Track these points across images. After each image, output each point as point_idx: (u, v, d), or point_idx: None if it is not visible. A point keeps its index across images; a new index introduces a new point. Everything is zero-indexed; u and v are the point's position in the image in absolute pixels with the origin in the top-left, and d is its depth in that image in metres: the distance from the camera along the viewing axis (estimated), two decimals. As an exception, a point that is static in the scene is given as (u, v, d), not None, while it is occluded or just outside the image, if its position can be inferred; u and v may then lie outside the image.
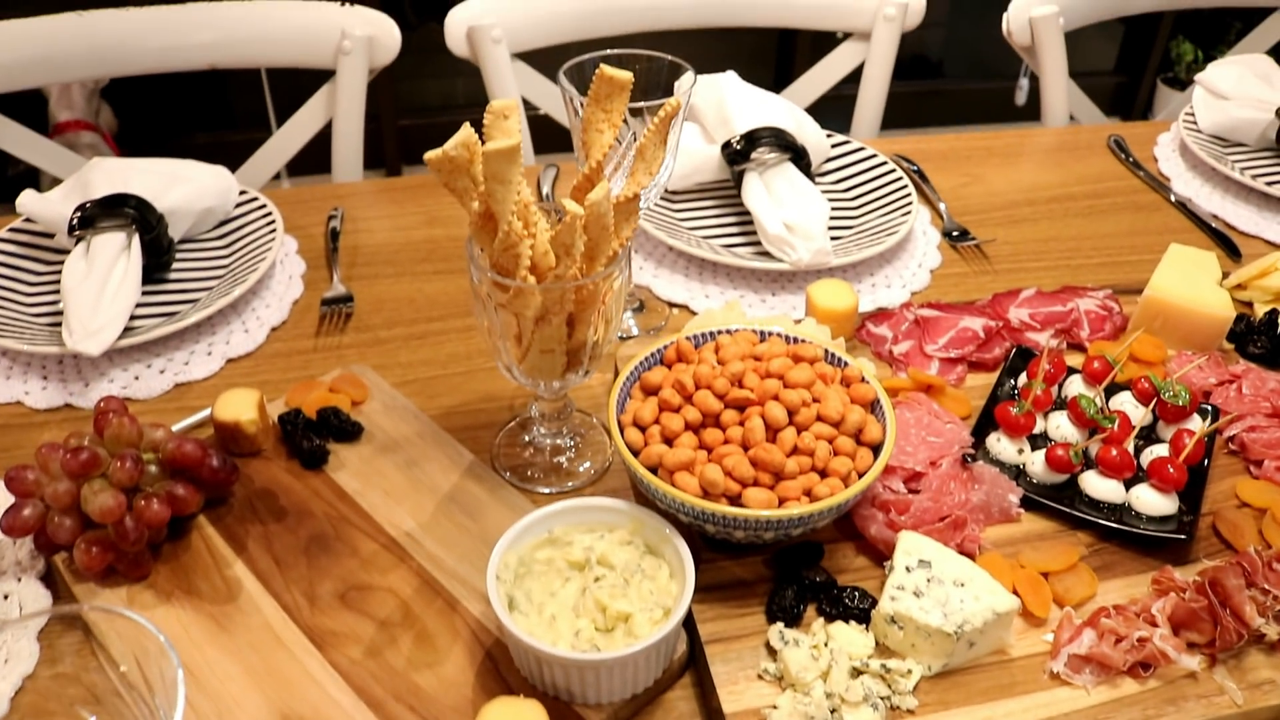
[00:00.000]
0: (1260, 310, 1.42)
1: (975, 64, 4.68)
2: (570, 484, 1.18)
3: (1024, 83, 3.78)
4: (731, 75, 1.68)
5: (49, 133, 3.08)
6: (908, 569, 0.98)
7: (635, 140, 1.20)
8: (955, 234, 1.61)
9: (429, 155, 0.96)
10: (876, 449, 1.02)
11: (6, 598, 1.04)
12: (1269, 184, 1.73)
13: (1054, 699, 0.95)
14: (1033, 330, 1.34)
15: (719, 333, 1.11)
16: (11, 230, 1.50)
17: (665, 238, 1.47)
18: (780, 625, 0.97)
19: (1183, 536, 1.07)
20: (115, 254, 1.39)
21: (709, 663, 0.96)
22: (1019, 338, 1.33)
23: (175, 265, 1.50)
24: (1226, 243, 1.63)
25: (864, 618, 0.98)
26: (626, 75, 1.03)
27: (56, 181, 1.64)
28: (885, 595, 0.96)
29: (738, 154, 1.54)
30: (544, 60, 1.91)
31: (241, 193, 1.59)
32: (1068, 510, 1.10)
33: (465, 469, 1.17)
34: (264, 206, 1.57)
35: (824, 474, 0.99)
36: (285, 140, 1.93)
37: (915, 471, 1.11)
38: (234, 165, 1.63)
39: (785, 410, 1.00)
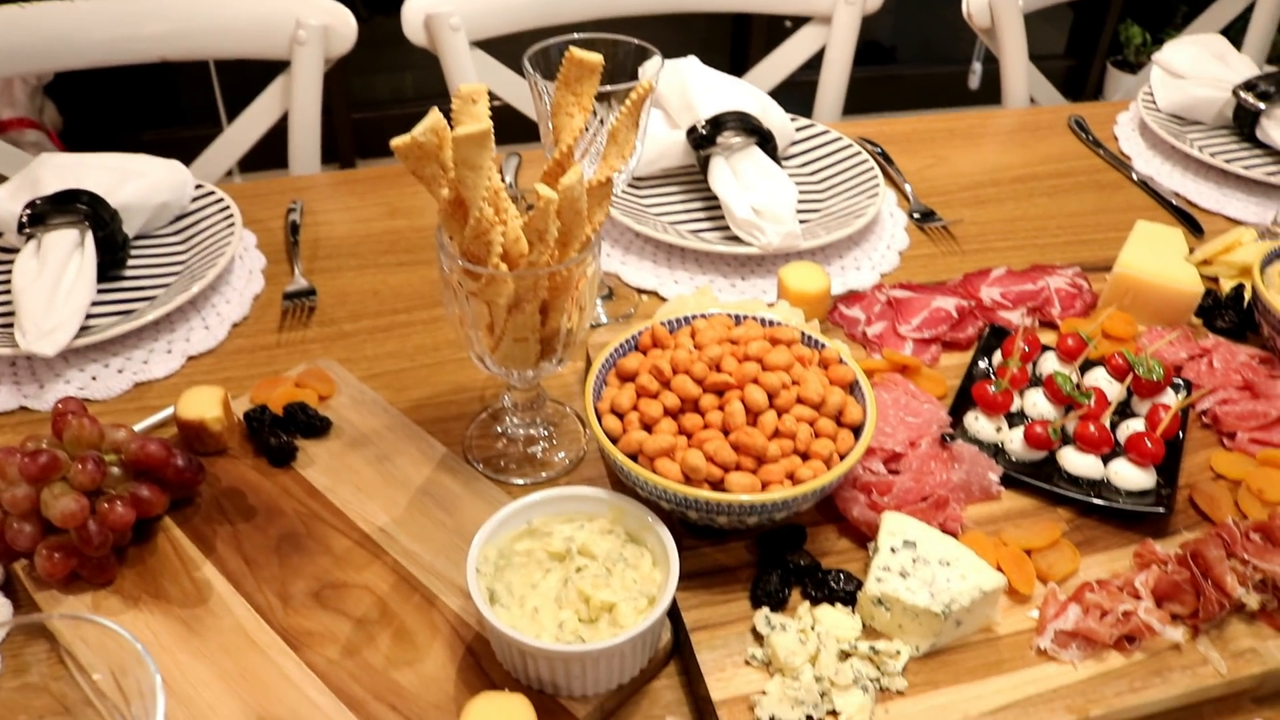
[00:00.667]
0: (1226, 285, 1.43)
1: (926, 49, 4.71)
2: (545, 474, 1.16)
3: (977, 66, 3.79)
4: (693, 60, 1.67)
5: (-9, 131, 3.01)
6: (893, 550, 0.97)
7: (602, 126, 1.18)
8: (922, 215, 1.61)
9: (396, 142, 0.93)
10: (857, 430, 1.01)
11: (-33, 607, 1.01)
12: (1228, 161, 1.74)
13: (1042, 675, 0.94)
14: (1005, 309, 1.33)
15: (695, 317, 1.10)
16: (-41, 230, 1.46)
17: (632, 224, 1.45)
18: (766, 610, 0.96)
19: (1162, 510, 1.07)
20: (68, 252, 1.35)
21: (695, 650, 0.94)
22: (991, 317, 1.33)
23: (131, 262, 1.46)
24: (1189, 220, 1.64)
25: (850, 600, 0.97)
26: (596, 58, 1.01)
27: (1, 179, 1.60)
28: (871, 577, 0.95)
29: (703, 139, 1.53)
30: (502, 49, 1.89)
31: (197, 187, 1.56)
32: (1048, 487, 1.10)
33: (437, 462, 1.15)
34: (221, 200, 1.53)
35: (806, 456, 0.98)
36: (240, 133, 1.89)
37: (895, 452, 1.10)
38: (186, 161, 1.59)
39: (765, 393, 0.99)
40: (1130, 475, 1.10)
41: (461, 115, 0.96)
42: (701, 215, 1.55)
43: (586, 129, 1.16)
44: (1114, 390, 1.18)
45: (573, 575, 0.95)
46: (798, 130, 1.71)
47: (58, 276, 1.32)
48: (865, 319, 1.30)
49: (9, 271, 1.37)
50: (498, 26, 1.91)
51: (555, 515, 1.00)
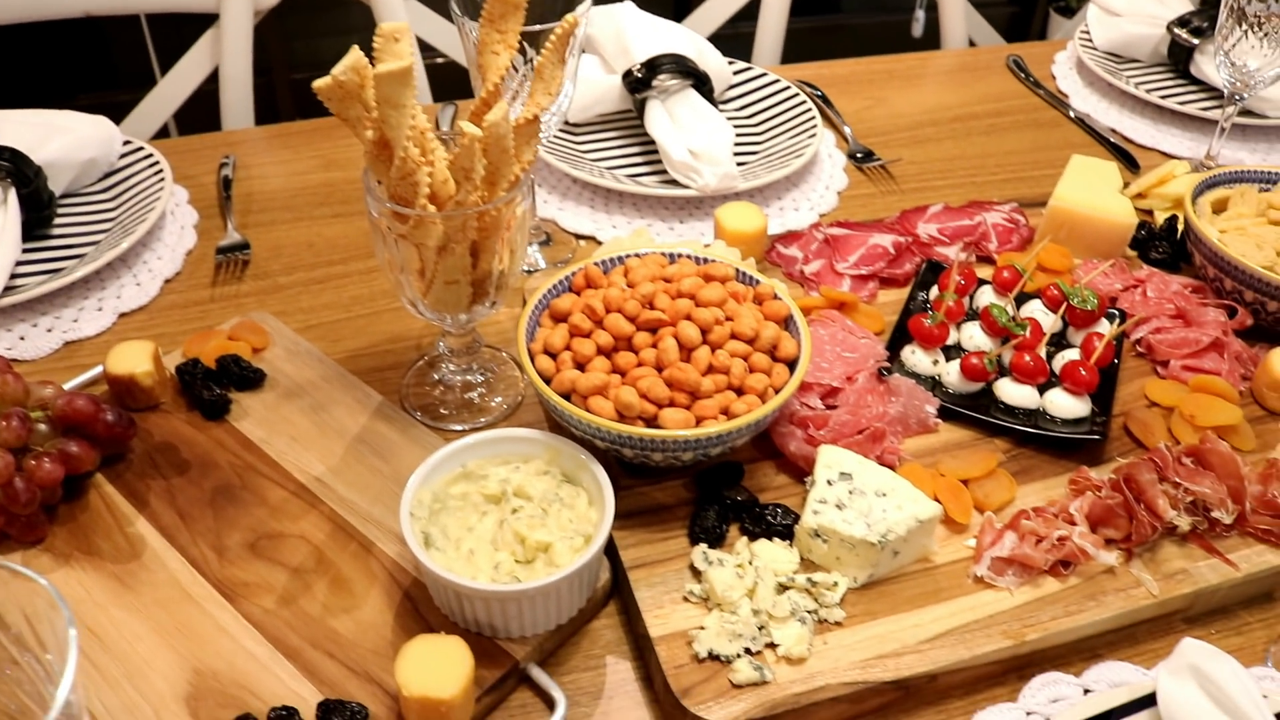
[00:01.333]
0: (1160, 217, 1.44)
1: (871, -1, 4.69)
2: (483, 419, 1.15)
3: (920, 15, 3.77)
4: (629, 4, 1.65)
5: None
6: (829, 482, 0.97)
7: (531, 67, 1.17)
8: (860, 156, 1.60)
9: (318, 84, 0.92)
10: (792, 365, 1.01)
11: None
12: (1163, 98, 1.75)
13: (979, 602, 0.95)
14: (942, 245, 1.33)
15: (628, 256, 1.09)
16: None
17: (569, 169, 1.44)
18: (704, 546, 0.96)
19: (1097, 437, 1.08)
20: (-9, 209, 1.32)
21: (633, 588, 0.94)
22: (928, 252, 1.33)
23: (58, 220, 1.43)
24: (1125, 155, 1.64)
25: (787, 534, 0.97)
26: (519, -9, 1.00)
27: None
28: (808, 509, 0.95)
29: (639, 82, 1.51)
30: (441, 3, 1.85)
31: (126, 143, 1.53)
32: (984, 418, 1.10)
33: (374, 410, 1.14)
34: (150, 156, 1.50)
35: (740, 391, 0.98)
36: (171, 89, 1.85)
37: (832, 387, 1.10)
38: (119, 123, 1.56)
39: (698, 329, 0.98)
40: (1065, 404, 1.10)
41: (383, 53, 0.94)
42: (639, 160, 1.53)
43: (515, 69, 1.15)
44: (1049, 321, 1.19)
45: (508, 517, 0.94)
46: (735, 74, 1.70)
47: (-20, 234, 1.29)
48: (803, 257, 1.29)
49: (-70, 231, 1.34)
50: (431, -25, 1.88)
51: (490, 458, 0.99)
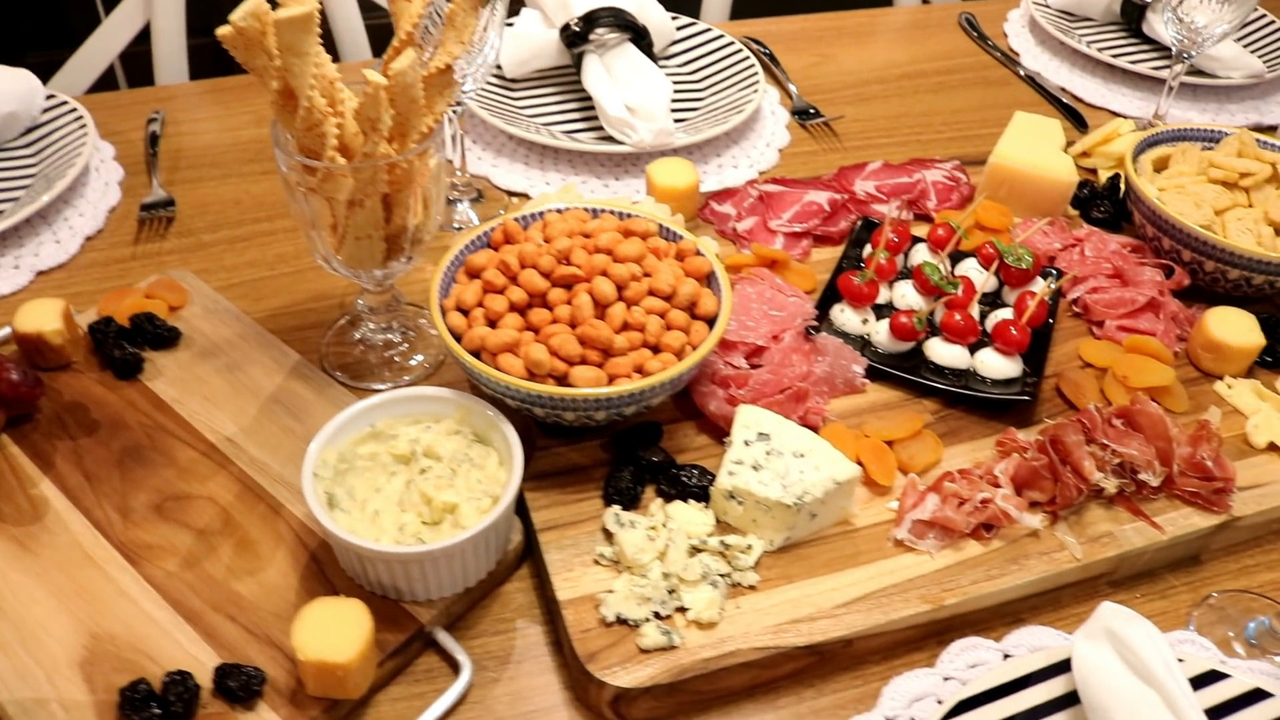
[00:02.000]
0: (1104, 176, 1.41)
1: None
2: (406, 379, 1.12)
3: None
4: (571, -43, 1.61)
5: None
6: (746, 443, 0.94)
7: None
8: (803, 113, 1.57)
9: (220, 31, 0.88)
10: (713, 322, 0.98)
11: None
12: (1114, 56, 1.72)
13: (898, 566, 0.93)
14: (879, 202, 1.31)
15: (547, 211, 1.06)
16: None
17: (503, 125, 1.40)
18: (617, 508, 0.93)
19: (1027, 398, 1.06)
20: (-97, 163, 1.28)
21: (543, 551, 0.92)
22: (866, 210, 1.30)
23: (-24, 175, 1.39)
24: (1074, 115, 1.62)
25: (703, 496, 0.95)
26: (430, -65, 0.96)
27: None
28: (723, 471, 0.93)
29: (576, 36, 1.48)
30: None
31: (49, 97, 1.48)
32: (912, 378, 1.08)
33: (290, 370, 1.11)
34: (74, 110, 1.46)
35: (656, 349, 0.95)
36: (100, 44, 1.79)
37: (757, 346, 1.07)
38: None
39: (614, 285, 0.96)
40: (996, 364, 1.08)
41: (286, -1, 0.90)
42: (577, 116, 1.50)
43: (438, 18, 1.11)
44: (984, 280, 1.16)
45: (416, 478, 0.92)
46: (679, 29, 1.66)
47: (-110, 189, 1.25)
48: (736, 214, 1.27)
49: None
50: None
51: (400, 417, 0.96)
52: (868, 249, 1.22)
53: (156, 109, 1.55)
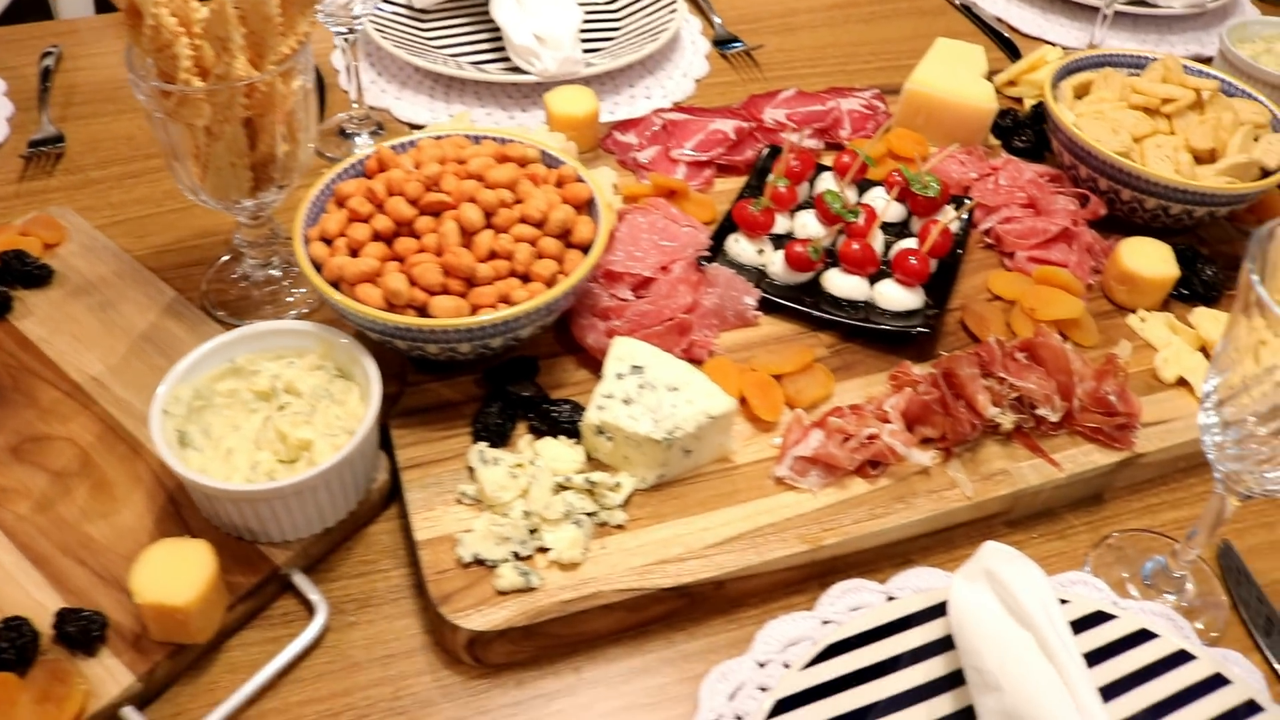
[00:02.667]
0: (1030, 105, 1.36)
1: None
2: (291, 314, 1.08)
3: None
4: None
5: None
6: (619, 376, 0.90)
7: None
8: (727, 42, 1.51)
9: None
10: (590, 251, 0.94)
11: None
12: (1054, -16, 1.66)
13: (777, 504, 0.89)
14: (789, 131, 1.25)
15: (422, 138, 1.01)
16: None
17: (406, 56, 1.34)
18: (483, 445, 0.89)
19: (926, 330, 1.01)
20: None
21: (405, 489, 0.88)
22: (775, 140, 1.25)
23: None
24: (1009, 45, 1.57)
25: (575, 432, 0.91)
26: None
27: None
28: (592, 405, 0.88)
29: (485, -38, 1.42)
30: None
31: (-64, 31, 1.43)
32: (806, 310, 1.03)
33: (165, 308, 1.06)
34: (-36, 44, 1.40)
35: (526, 279, 0.91)
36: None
37: (645, 278, 1.03)
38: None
39: (481, 211, 0.91)
40: (895, 296, 1.04)
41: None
42: (488, 47, 1.44)
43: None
44: (891, 209, 1.12)
45: (274, 414, 0.87)
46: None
47: None
48: (638, 143, 1.21)
49: None
50: None
51: (262, 352, 0.92)
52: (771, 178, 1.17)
53: (55, 43, 1.49)
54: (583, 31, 1.44)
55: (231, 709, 0.79)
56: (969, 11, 1.64)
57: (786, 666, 0.82)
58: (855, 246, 1.04)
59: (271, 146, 0.96)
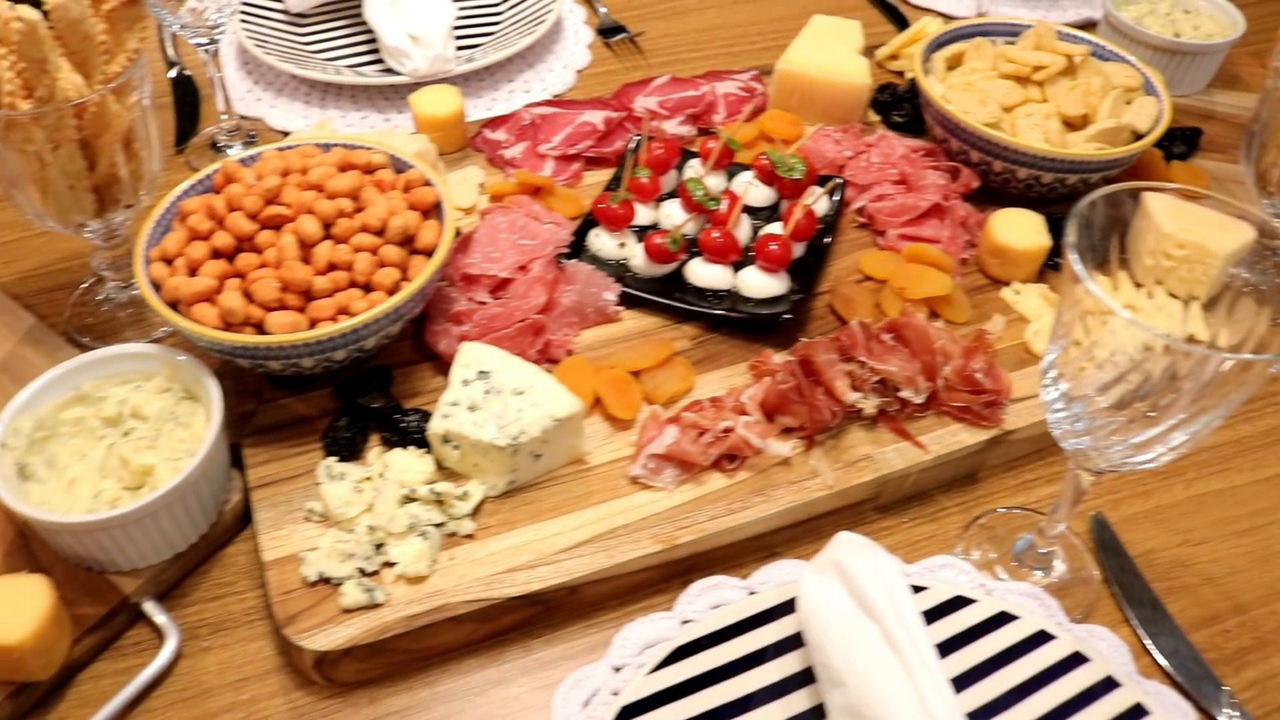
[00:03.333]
0: (910, 79, 1.35)
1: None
2: (156, 335, 1.06)
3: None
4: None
5: None
6: (465, 382, 0.89)
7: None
8: (611, 30, 1.49)
9: None
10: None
11: None
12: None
13: (631, 505, 0.88)
14: (662, 119, 1.24)
15: (265, 150, 0.99)
16: None
17: (277, 62, 1.32)
18: (332, 460, 0.88)
19: (789, 315, 1.00)
20: None
21: (254, 509, 0.87)
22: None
23: None
24: (898, 17, 1.55)
25: (426, 442, 0.89)
26: None
27: None
28: (437, 413, 0.87)
29: (356, -39, 1.40)
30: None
31: None
32: (667, 302, 1.02)
33: (23, 335, 1.04)
34: None
35: (369, 288, 0.89)
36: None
37: (503, 279, 1.01)
38: None
39: (319, 223, 0.90)
40: (759, 283, 1.03)
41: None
42: (365, 50, 1.41)
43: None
44: (759, 195, 1.11)
45: (120, 441, 0.86)
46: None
47: None
48: (506, 140, 1.20)
49: None
50: None
51: (109, 378, 0.90)
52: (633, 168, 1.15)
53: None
54: (463, 28, 1.43)
55: (77, 745, 0.78)
56: (860, -14, 1.63)
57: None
58: (716, 235, 1.03)
59: (113, 166, 0.95)
